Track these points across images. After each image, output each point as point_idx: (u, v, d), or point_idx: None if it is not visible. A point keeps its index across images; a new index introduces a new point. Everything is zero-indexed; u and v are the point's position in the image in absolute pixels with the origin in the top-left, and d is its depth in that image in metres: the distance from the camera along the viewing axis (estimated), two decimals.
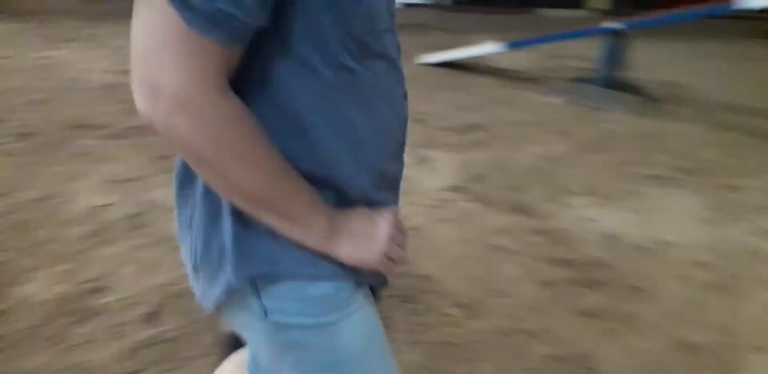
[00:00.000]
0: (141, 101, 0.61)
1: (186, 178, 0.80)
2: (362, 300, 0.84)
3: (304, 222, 0.72)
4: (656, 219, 3.18)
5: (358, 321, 0.82)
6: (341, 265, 0.78)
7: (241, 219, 0.74)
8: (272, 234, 0.74)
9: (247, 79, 0.67)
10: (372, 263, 0.78)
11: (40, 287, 2.14)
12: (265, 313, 0.78)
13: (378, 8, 0.71)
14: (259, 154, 0.66)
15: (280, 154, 0.69)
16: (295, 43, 0.66)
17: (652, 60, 6.77)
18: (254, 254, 0.75)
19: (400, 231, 0.82)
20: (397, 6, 0.82)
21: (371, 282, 0.86)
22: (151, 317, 2.02)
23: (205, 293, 0.82)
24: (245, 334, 0.87)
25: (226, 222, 0.75)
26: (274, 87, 0.68)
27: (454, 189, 3.30)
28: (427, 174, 3.48)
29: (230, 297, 0.79)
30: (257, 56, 0.66)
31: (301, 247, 0.75)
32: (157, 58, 0.58)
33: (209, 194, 0.75)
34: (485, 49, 5.80)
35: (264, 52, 0.66)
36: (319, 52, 0.67)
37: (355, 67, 0.71)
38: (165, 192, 2.92)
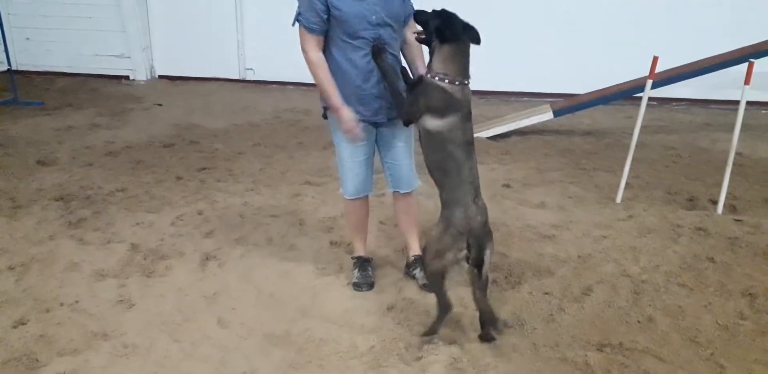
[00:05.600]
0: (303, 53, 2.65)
1: None
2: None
3: (329, 99, 2.65)
4: None
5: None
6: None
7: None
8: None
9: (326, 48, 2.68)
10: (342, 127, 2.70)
11: None
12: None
13: (353, 22, 2.56)
14: (319, 73, 2.63)
15: (323, 80, 2.65)
16: (331, 32, 2.62)
17: None
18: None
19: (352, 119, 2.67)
20: None
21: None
22: None
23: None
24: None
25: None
26: (329, 49, 2.68)
27: None
28: None
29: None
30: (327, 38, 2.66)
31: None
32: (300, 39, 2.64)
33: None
34: None
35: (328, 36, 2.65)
36: (337, 35, 2.61)
37: (348, 40, 2.60)
38: None
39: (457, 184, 2.39)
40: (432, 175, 2.53)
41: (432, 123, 2.43)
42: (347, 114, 2.64)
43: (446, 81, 2.40)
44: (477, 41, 2.42)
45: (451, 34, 2.37)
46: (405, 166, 2.89)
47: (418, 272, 3.01)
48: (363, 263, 3.10)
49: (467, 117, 2.46)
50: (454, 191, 2.40)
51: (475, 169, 2.45)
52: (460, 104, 2.42)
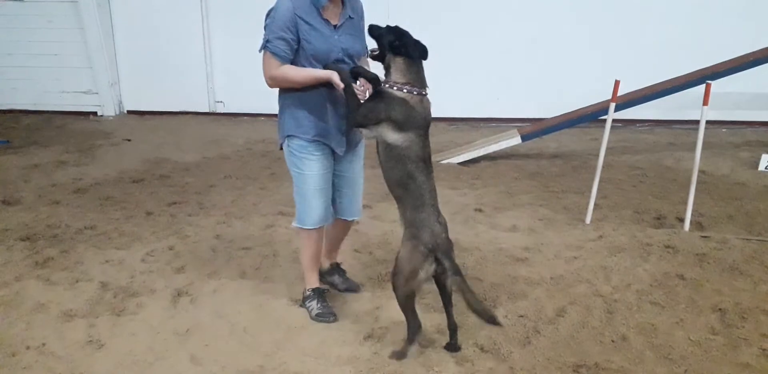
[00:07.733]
0: (264, 77, 2.69)
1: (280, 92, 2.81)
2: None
3: (315, 76, 2.61)
4: None
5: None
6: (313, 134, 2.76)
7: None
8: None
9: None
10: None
11: None
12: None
13: (318, 56, 2.64)
14: (290, 73, 2.63)
15: (297, 72, 2.64)
16: (297, 58, 2.65)
17: None
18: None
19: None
20: None
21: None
22: None
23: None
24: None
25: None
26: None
27: None
28: None
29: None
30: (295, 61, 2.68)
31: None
32: (263, 65, 2.68)
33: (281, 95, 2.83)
34: None
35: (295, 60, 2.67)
36: (300, 61, 2.65)
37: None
38: None
39: (420, 205, 2.48)
40: (392, 191, 2.58)
41: (391, 136, 2.48)
42: (336, 75, 2.55)
43: (405, 90, 2.46)
44: (425, 57, 2.52)
45: (404, 48, 2.47)
46: (355, 195, 3.05)
47: (336, 278, 3.28)
48: (321, 294, 3.06)
49: (426, 132, 2.53)
50: (418, 212, 2.47)
51: (434, 190, 2.53)
52: (421, 118, 2.48)
